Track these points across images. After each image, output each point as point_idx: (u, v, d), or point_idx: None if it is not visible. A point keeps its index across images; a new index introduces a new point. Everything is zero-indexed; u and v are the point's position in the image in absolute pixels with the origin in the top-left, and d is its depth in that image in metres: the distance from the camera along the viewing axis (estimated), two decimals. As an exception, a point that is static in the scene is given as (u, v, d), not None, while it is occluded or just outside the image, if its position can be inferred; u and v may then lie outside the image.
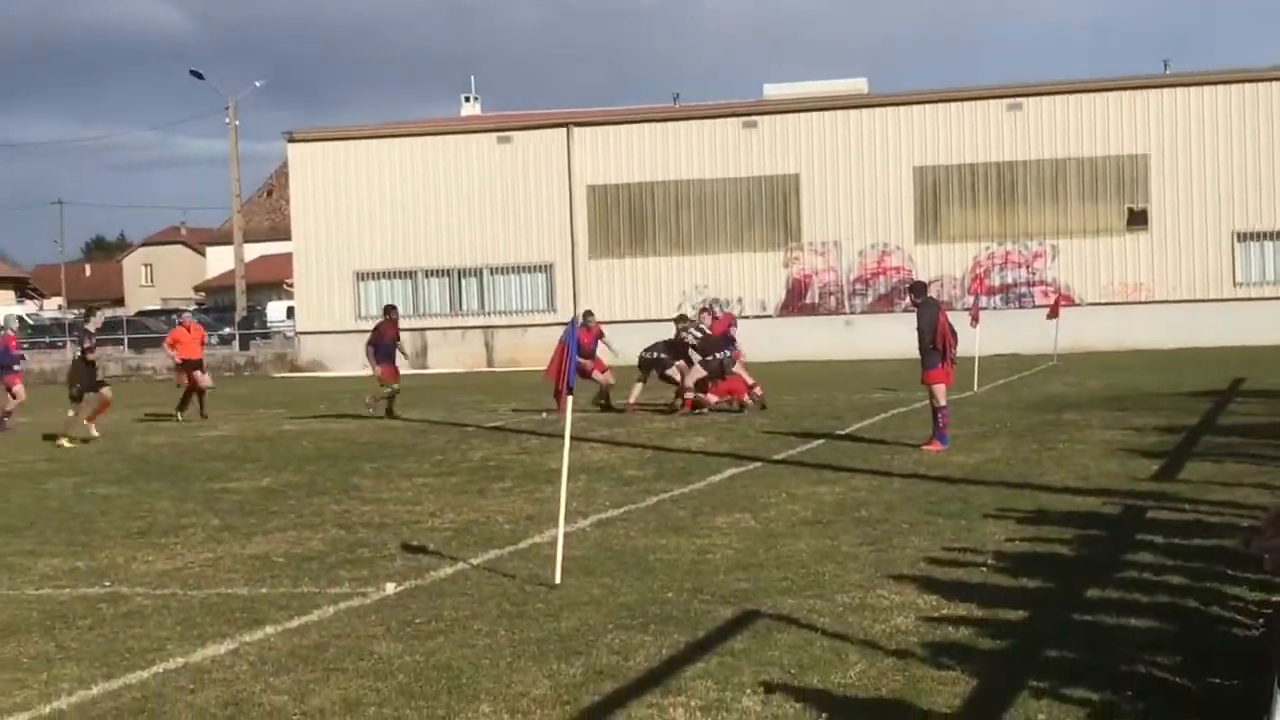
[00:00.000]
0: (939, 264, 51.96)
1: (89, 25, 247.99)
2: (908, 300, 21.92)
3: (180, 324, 31.70)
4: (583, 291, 53.34)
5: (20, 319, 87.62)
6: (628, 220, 53.85)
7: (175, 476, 20.00)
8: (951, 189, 52.25)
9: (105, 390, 27.30)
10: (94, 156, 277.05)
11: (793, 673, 8.57)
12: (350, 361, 43.58)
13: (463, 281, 54.93)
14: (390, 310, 29.58)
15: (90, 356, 27.52)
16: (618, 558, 12.50)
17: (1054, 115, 51.64)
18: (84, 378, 26.88)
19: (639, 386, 27.95)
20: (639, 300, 52.15)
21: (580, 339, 27.58)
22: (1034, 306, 49.67)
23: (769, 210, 53.07)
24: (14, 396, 29.71)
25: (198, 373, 30.52)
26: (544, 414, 27.22)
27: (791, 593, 10.78)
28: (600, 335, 28.57)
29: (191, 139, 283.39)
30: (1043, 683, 8.10)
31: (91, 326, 26.42)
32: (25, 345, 33.91)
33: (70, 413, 26.53)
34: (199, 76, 67.78)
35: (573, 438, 12.63)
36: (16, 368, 30.14)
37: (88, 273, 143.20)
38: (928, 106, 52.72)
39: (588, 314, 30.17)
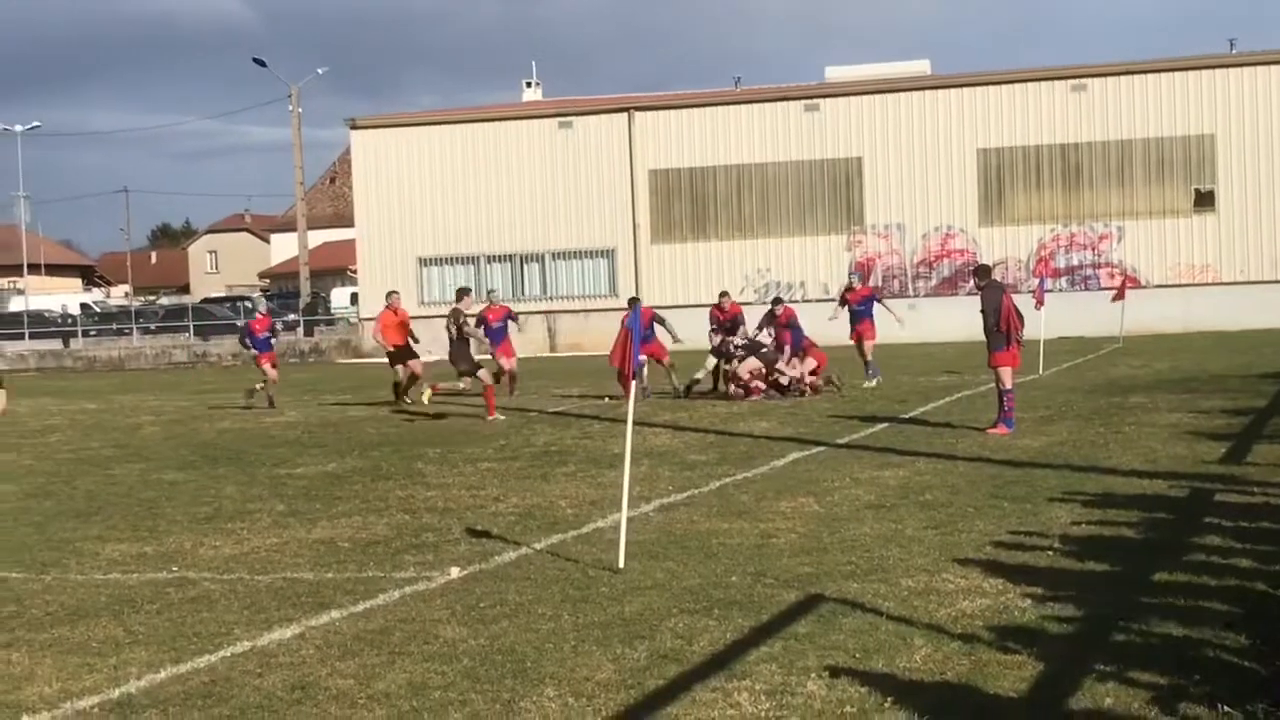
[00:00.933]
0: (1003, 246, 51.67)
1: (153, 15, 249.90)
2: (971, 283, 21.72)
3: (388, 306, 28.69)
4: (644, 276, 53.37)
5: (85, 306, 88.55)
6: (689, 204, 53.81)
7: (241, 462, 20.13)
8: (1016, 171, 51.91)
9: (415, 363, 27.78)
10: (159, 145, 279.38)
11: (857, 657, 8.53)
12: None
13: (524, 267, 55.05)
14: (464, 293, 28.65)
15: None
16: (681, 542, 12.48)
17: (1119, 96, 51.21)
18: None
19: (703, 372, 27.94)
20: (700, 285, 52.06)
21: None
22: (1099, 289, 49.34)
23: (831, 193, 52.91)
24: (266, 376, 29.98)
25: (413, 361, 28.56)
26: (606, 399, 27.22)
27: (856, 577, 10.74)
28: (656, 319, 28.38)
29: (255, 127, 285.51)
30: (1110, 666, 8.03)
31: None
32: (278, 326, 33.50)
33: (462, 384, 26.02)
34: (262, 64, 68.11)
35: (636, 422, 12.62)
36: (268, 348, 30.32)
37: (153, 260, 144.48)
38: (991, 88, 52.42)
39: (633, 300, 29.97)
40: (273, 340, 30.74)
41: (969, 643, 8.69)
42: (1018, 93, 52.09)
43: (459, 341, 25.19)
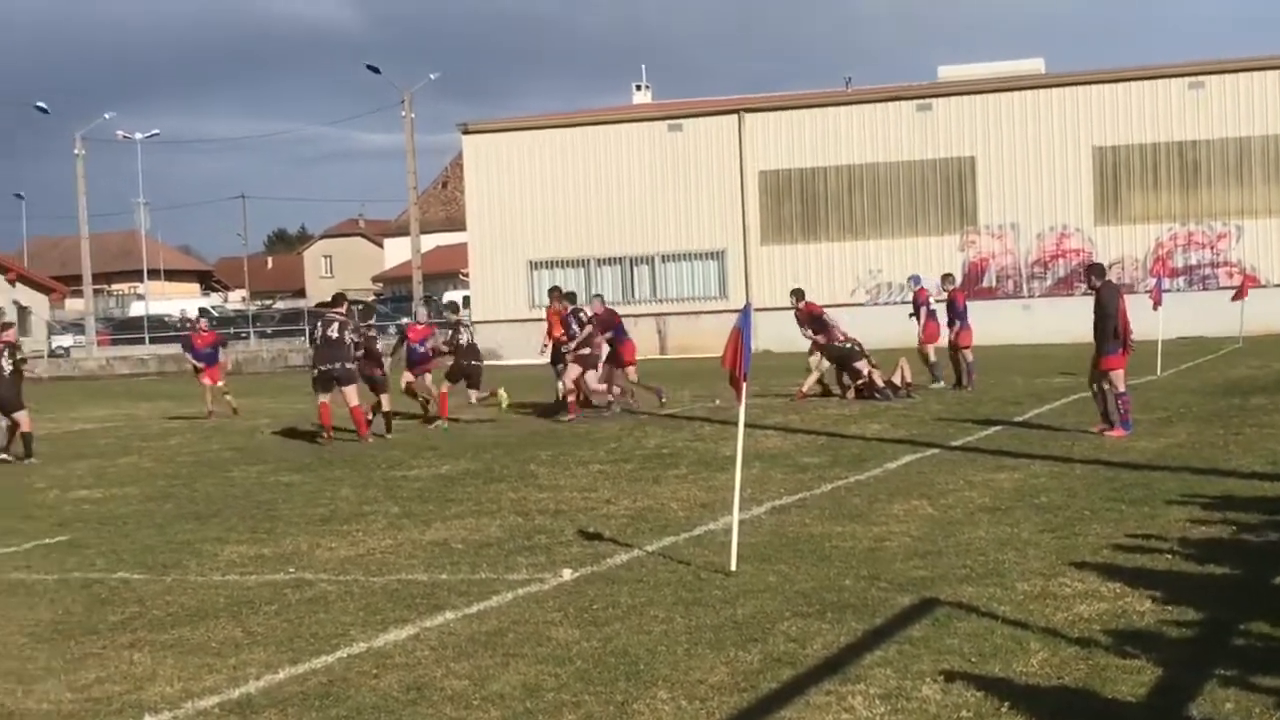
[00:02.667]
0: (1120, 246, 51.04)
1: (267, 23, 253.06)
2: (1086, 284, 21.29)
3: (550, 309, 28.19)
4: (754, 278, 53.29)
5: (205, 312, 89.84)
6: (800, 205, 53.64)
7: (356, 464, 20.33)
8: (1132, 169, 51.26)
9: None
10: (275, 151, 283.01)
11: (973, 661, 8.47)
12: (523, 349, 43.86)
13: (634, 269, 55.12)
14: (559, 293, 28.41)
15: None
16: (793, 545, 12.45)
17: (1237, 93, 50.41)
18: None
19: (814, 375, 27.84)
20: (811, 286, 51.65)
21: None
22: (1218, 288, 48.57)
23: (944, 193, 52.53)
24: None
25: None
26: (717, 401, 27.20)
27: (971, 580, 10.65)
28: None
29: (367, 133, 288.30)
30: (1230, 671, 7.92)
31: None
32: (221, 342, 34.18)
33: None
34: (375, 71, 68.71)
35: (747, 425, 12.60)
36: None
37: (270, 265, 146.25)
38: (1106, 86, 51.79)
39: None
40: (219, 353, 31.63)
41: (1086, 647, 8.59)
42: (1133, 90, 51.42)
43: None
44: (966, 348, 29.17)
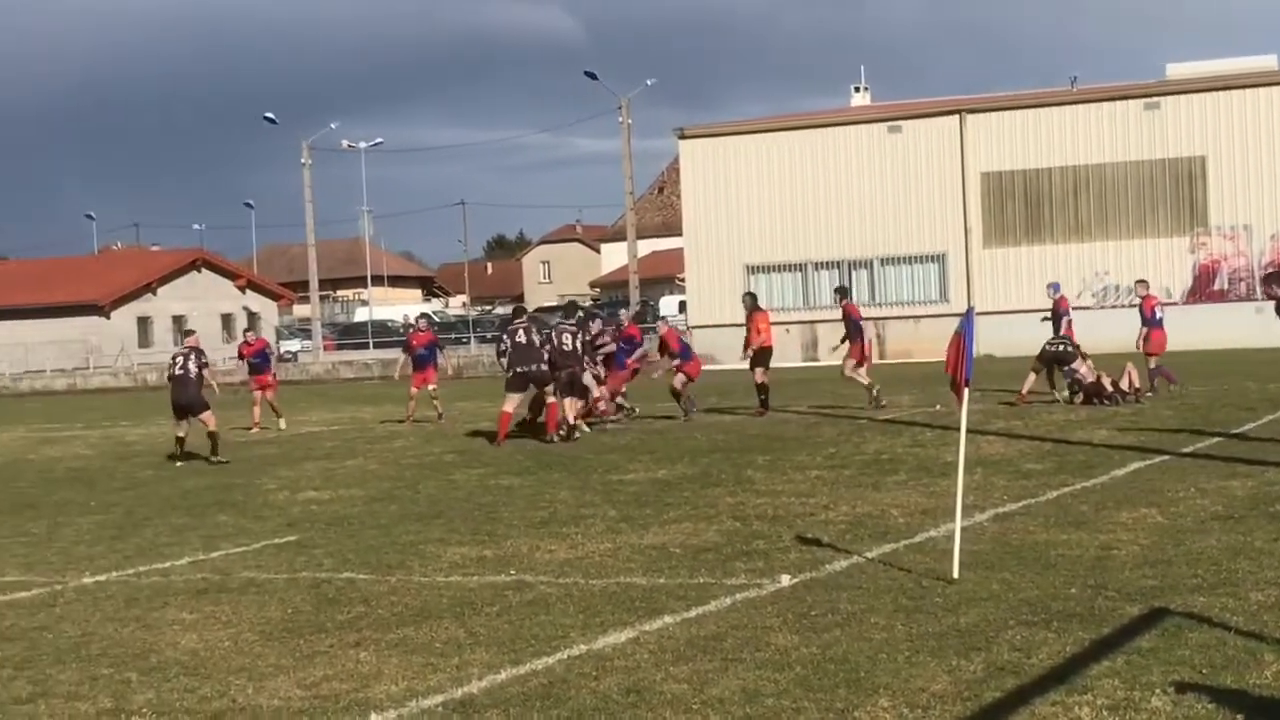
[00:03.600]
0: (1358, 246, 49.29)
1: (486, 33, 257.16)
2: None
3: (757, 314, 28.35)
4: (976, 281, 52.55)
5: (426, 315, 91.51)
6: (1023, 207, 52.75)
7: (574, 468, 20.49)
8: (1369, 168, 49.47)
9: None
10: (494, 159, 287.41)
11: (1204, 673, 8.21)
12: (738, 355, 43.80)
13: (853, 273, 54.68)
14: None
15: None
16: (1017, 553, 12.22)
17: None
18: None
19: (1033, 377, 27.37)
20: (1036, 289, 50.88)
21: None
22: None
23: (1173, 194, 51.24)
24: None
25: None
26: (938, 406, 26.87)
27: (1202, 590, 10.34)
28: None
29: (583, 139, 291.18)
30: None
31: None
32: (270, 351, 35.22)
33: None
34: (593, 78, 69.39)
35: (969, 430, 12.41)
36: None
37: (489, 271, 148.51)
38: (1343, 82, 50.06)
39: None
40: (436, 355, 31.84)
41: (1326, 662, 8.29)
42: (1372, 85, 49.64)
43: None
44: (1151, 355, 28.42)
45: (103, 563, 14.52)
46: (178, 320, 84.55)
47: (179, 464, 24.25)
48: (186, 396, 24.62)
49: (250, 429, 30.67)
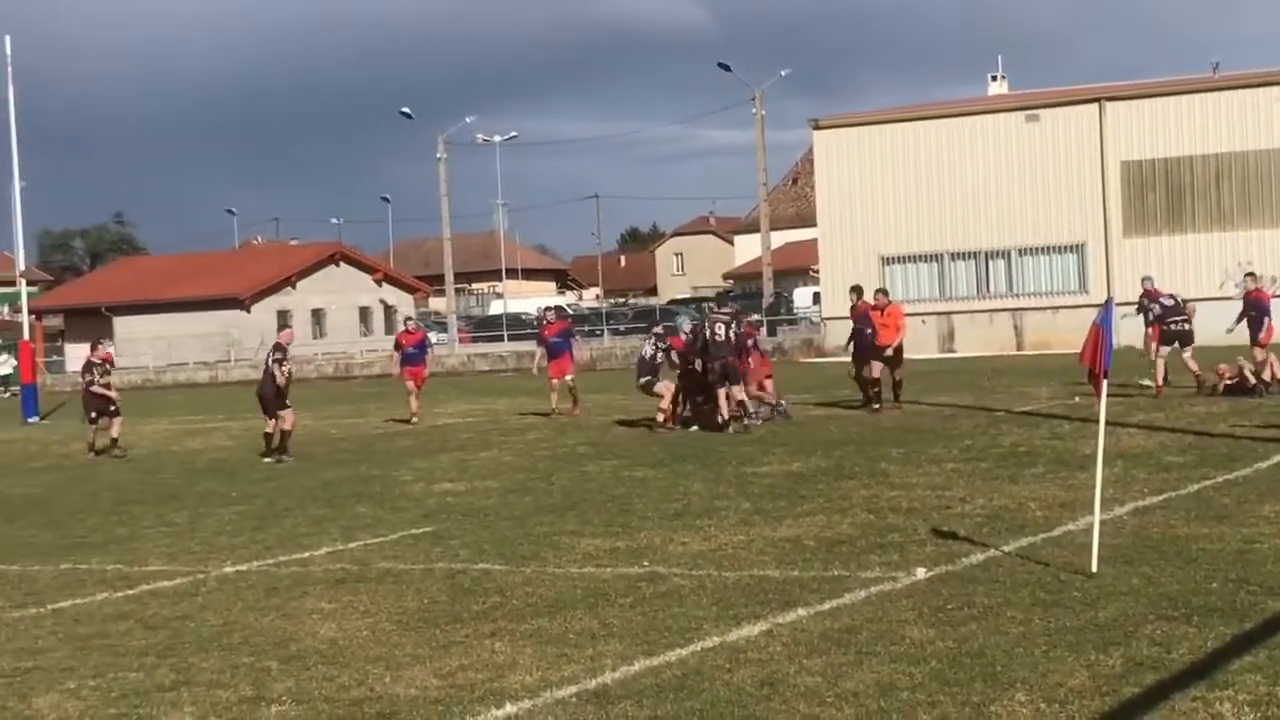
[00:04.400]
0: None
1: (618, 25, 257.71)
2: None
3: (873, 306, 27.66)
4: (1116, 271, 51.74)
5: (558, 306, 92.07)
6: (1164, 196, 51.85)
7: (707, 460, 20.49)
8: None
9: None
10: (627, 151, 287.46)
11: (1352, 671, 8.04)
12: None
13: (990, 263, 54.08)
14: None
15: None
16: (1157, 546, 12.04)
17: None
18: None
19: (1160, 366, 26.98)
20: (1177, 279, 49.92)
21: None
22: None
23: (1320, 181, 50.08)
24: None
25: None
26: (1076, 398, 26.51)
27: (1350, 586, 10.13)
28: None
29: (716, 130, 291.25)
30: None
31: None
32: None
33: None
34: (727, 69, 69.23)
35: (1108, 423, 12.23)
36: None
37: (622, 263, 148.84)
38: None
39: (879, 292, 28.72)
40: (568, 344, 31.44)
41: None
42: None
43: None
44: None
45: (244, 553, 14.77)
46: (316, 313, 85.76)
47: (266, 460, 24.30)
48: (263, 392, 24.68)
49: (410, 420, 30.69)
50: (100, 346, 28.25)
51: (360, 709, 8.64)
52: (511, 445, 24.58)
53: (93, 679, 9.72)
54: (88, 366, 27.62)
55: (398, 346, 32.43)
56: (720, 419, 24.26)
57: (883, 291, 28.44)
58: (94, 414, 27.30)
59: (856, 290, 28.26)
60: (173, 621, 11.52)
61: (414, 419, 30.64)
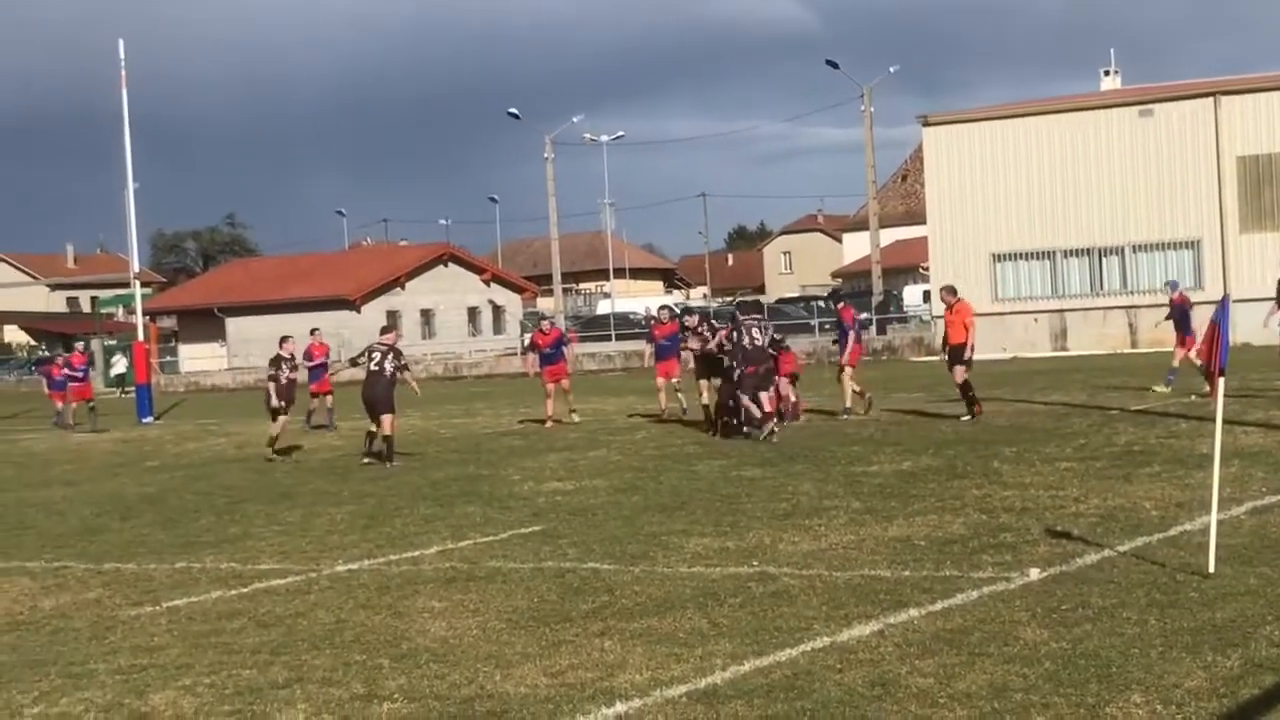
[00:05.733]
0: None
1: (724, 24, 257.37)
2: None
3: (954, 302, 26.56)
4: (1232, 267, 50.93)
5: (668, 306, 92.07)
6: (1281, 191, 50.95)
7: (817, 459, 20.39)
8: None
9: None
10: (733, 149, 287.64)
11: None
12: (982, 346, 43.26)
13: (1103, 260, 53.46)
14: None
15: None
16: (1276, 546, 11.84)
17: None
18: None
19: None
20: (1293, 275, 49.28)
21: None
22: None
23: None
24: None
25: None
26: (1192, 396, 26.14)
27: None
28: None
29: (824, 128, 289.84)
30: None
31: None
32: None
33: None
34: (834, 66, 68.95)
35: (1225, 421, 12.03)
36: None
37: (730, 262, 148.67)
38: None
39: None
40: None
41: None
42: None
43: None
44: None
45: (355, 551, 14.90)
46: (425, 314, 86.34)
47: (365, 461, 24.20)
48: (374, 394, 23.96)
49: (545, 421, 29.93)
50: (287, 343, 27.97)
51: (471, 707, 8.68)
52: (619, 444, 24.60)
53: (208, 676, 9.84)
54: (276, 361, 27.29)
55: (533, 347, 31.72)
56: (754, 419, 23.81)
57: (949, 289, 27.41)
58: (284, 404, 26.94)
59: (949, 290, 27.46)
60: (286, 619, 11.63)
61: (549, 421, 29.80)
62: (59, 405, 42.78)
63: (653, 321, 32.41)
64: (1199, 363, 27.74)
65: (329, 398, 33.99)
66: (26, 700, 9.53)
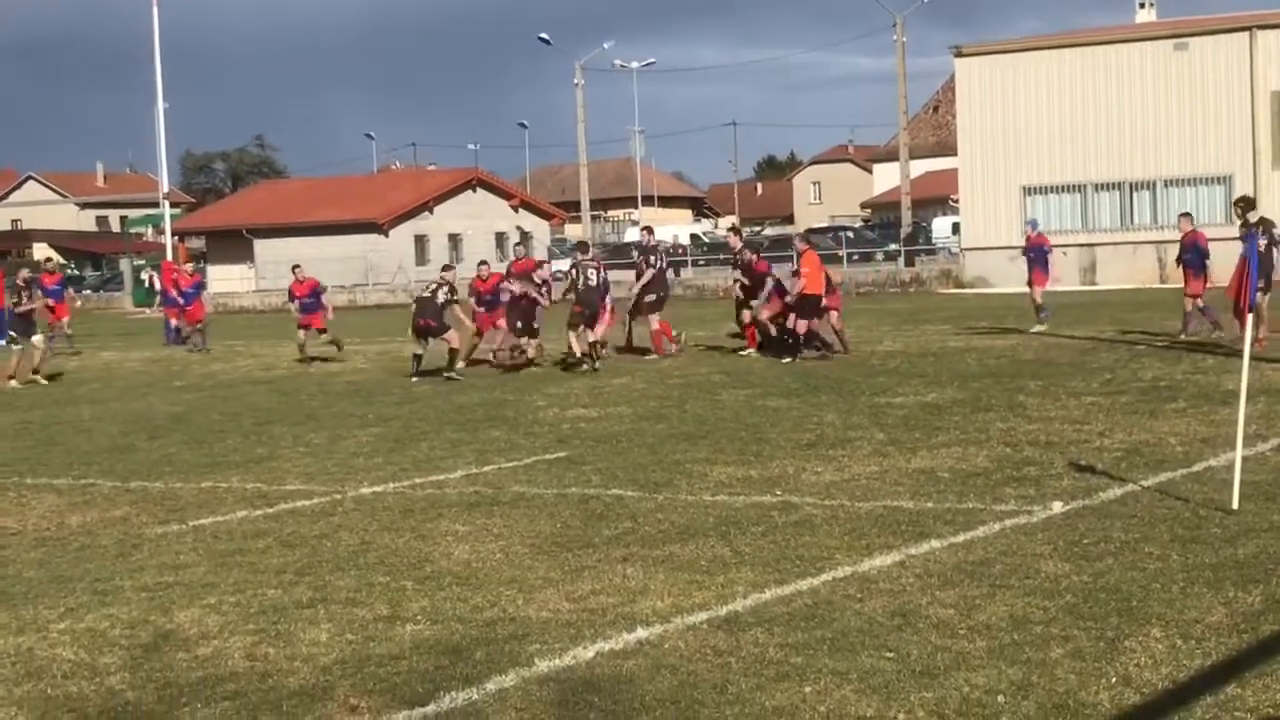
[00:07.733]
0: None
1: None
2: None
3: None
4: (1263, 203, 50.51)
5: (694, 236, 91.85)
6: (1315, 127, 50.48)
7: (842, 390, 20.39)
8: None
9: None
10: (764, 78, 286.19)
11: None
12: (1013, 279, 43.06)
13: (1134, 195, 53.10)
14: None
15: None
16: (1301, 484, 11.81)
17: None
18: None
19: None
20: (1326, 213, 48.92)
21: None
22: None
23: None
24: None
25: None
26: (1218, 333, 26.01)
27: None
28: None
29: (857, 58, 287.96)
30: None
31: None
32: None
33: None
34: (867, -5, 68.34)
35: (1252, 357, 11.99)
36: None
37: (759, 191, 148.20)
38: None
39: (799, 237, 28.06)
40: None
41: None
42: None
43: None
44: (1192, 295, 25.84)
45: (380, 474, 14.97)
46: (453, 238, 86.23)
47: (414, 379, 24.84)
48: (426, 316, 25.22)
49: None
50: (448, 271, 27.68)
51: (493, 630, 8.73)
52: (643, 372, 24.61)
53: (232, 595, 9.92)
54: (441, 285, 26.76)
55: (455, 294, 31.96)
56: (578, 354, 25.38)
57: (803, 237, 28.46)
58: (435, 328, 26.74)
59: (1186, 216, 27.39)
60: (310, 540, 11.71)
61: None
62: (174, 322, 41.69)
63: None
64: (1039, 302, 28.41)
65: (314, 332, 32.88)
66: (53, 615, 9.63)
